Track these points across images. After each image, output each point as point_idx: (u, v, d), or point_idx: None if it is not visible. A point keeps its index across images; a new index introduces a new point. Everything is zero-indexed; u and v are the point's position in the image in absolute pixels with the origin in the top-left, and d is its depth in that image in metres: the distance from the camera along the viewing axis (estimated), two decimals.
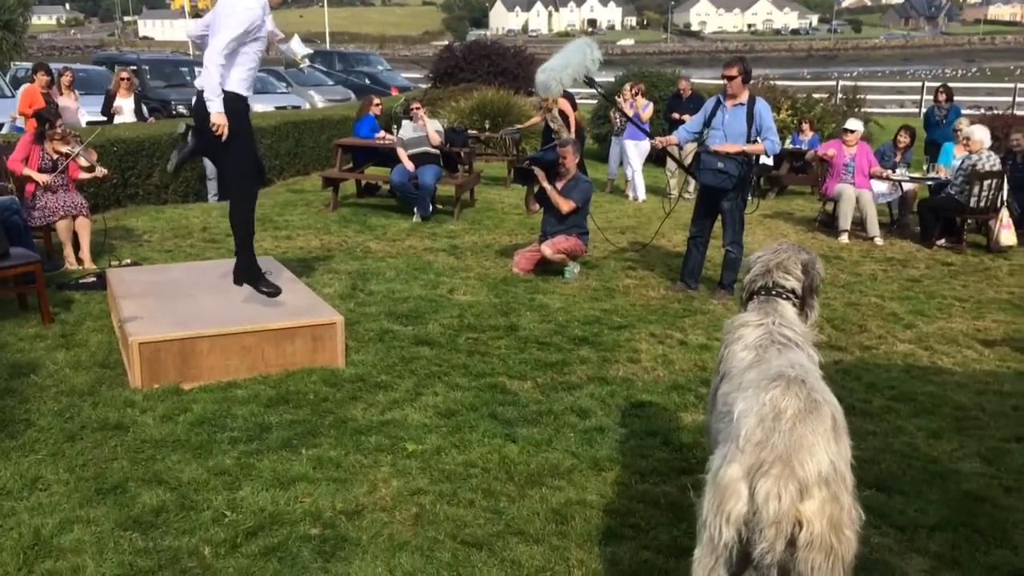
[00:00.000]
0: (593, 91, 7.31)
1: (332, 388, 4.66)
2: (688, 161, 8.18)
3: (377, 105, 11.46)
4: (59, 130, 7.23)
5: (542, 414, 4.40)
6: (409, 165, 9.61)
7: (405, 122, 10.22)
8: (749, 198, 6.71)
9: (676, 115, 11.73)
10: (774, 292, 2.74)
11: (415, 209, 9.65)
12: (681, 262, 7.16)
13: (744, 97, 6.53)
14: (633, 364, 5.24)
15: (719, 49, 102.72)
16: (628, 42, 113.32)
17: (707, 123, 6.61)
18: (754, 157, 6.65)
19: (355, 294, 6.57)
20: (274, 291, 5.20)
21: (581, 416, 4.39)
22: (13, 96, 12.62)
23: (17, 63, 19.71)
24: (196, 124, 5.11)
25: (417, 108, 10.05)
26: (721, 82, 6.66)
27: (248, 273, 5.27)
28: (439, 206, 10.04)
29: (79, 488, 3.50)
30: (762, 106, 6.53)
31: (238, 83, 4.91)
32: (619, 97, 11.69)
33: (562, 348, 5.49)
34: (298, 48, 5.60)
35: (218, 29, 4.79)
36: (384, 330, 5.69)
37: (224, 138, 4.85)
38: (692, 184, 11.00)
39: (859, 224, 9.31)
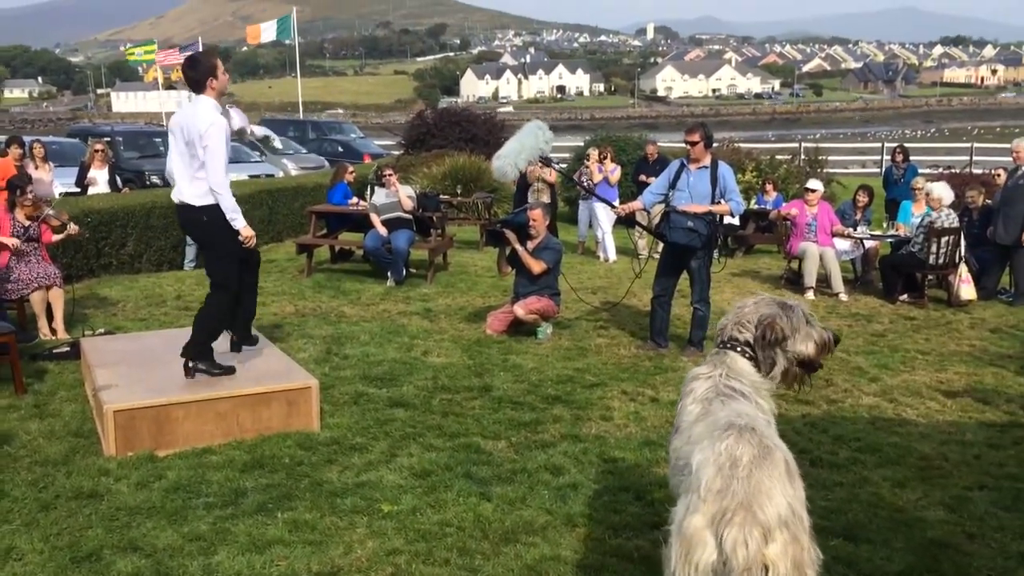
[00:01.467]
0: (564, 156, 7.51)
1: (307, 451, 4.69)
2: (656, 222, 8.38)
3: (351, 172, 11.65)
4: (29, 196, 7.29)
5: (516, 472, 4.45)
6: (382, 230, 9.75)
7: (378, 188, 10.39)
8: (716, 256, 6.89)
9: (643, 177, 12.02)
10: (728, 345, 2.85)
11: (389, 273, 9.75)
12: (649, 321, 7.30)
13: (707, 160, 6.76)
14: (606, 422, 5.32)
15: (685, 114, 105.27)
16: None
17: (672, 185, 6.82)
18: (719, 217, 6.85)
19: (330, 358, 6.62)
20: (226, 371, 5.17)
21: (555, 473, 4.45)
22: None
23: None
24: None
25: (389, 175, 10.23)
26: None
27: (200, 350, 5.19)
28: (412, 270, 10.15)
29: (54, 557, 3.49)
30: (724, 169, 6.76)
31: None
32: (586, 161, 11.98)
33: (536, 407, 5.56)
34: (240, 120, 5.71)
35: (201, 156, 4.90)
36: (359, 393, 5.73)
37: (248, 245, 5.17)
38: (660, 244, 11.25)
39: (824, 281, 9.53)
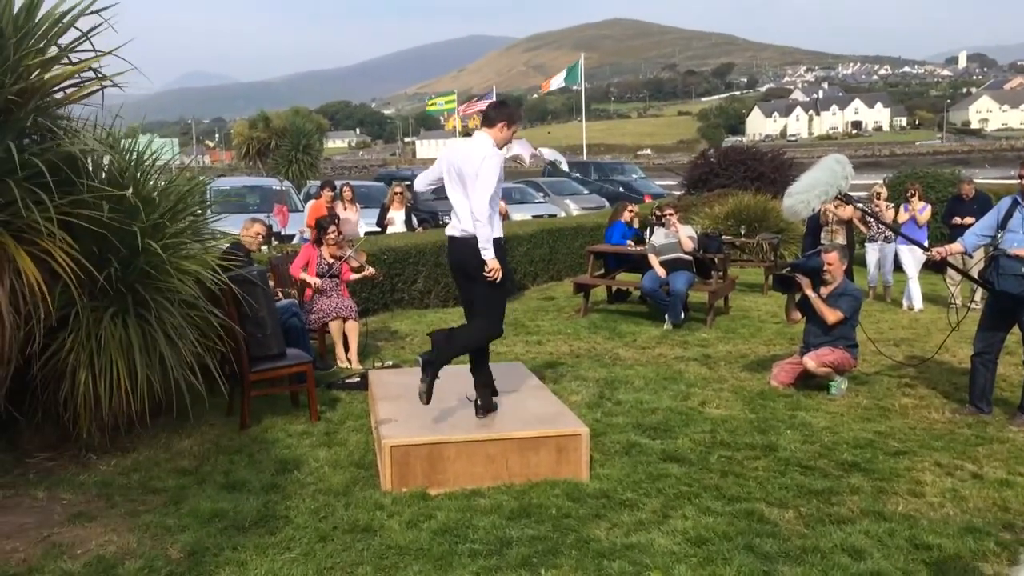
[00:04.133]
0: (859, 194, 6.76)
1: (575, 503, 4.46)
2: (975, 267, 7.32)
3: (630, 211, 11.49)
4: (332, 235, 7.84)
5: (807, 551, 3.90)
6: (660, 271, 9.44)
7: (657, 228, 10.12)
8: None
9: (958, 219, 10.70)
10: None
11: (666, 316, 9.41)
12: (968, 381, 6.32)
13: None
14: (916, 498, 4.57)
15: (1003, 147, 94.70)
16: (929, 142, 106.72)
17: (1001, 225, 5.87)
18: None
19: (602, 403, 6.39)
20: (427, 387, 4.98)
21: (854, 557, 3.84)
22: (303, 211, 14.08)
23: (311, 181, 22.14)
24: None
25: (670, 214, 9.93)
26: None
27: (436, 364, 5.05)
28: (691, 313, 9.73)
29: None
30: None
31: (496, 227, 5.00)
32: (875, 200, 10.88)
33: (829, 474, 4.93)
34: (520, 148, 5.69)
35: (470, 186, 4.90)
36: (631, 443, 5.43)
37: (498, 280, 4.96)
38: (979, 292, 9.89)
39: None
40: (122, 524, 4.22)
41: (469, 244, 4.95)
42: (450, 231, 5.15)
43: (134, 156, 5.51)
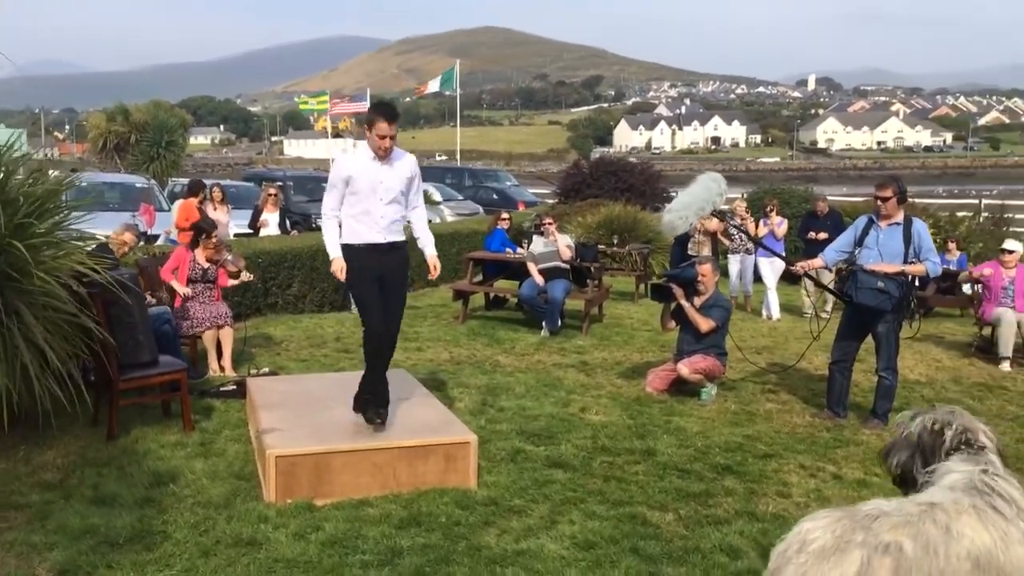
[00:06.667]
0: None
1: (465, 511, 4.48)
2: (828, 282, 7.81)
3: (505, 219, 11.62)
4: (213, 241, 7.57)
5: (689, 552, 4.07)
6: (539, 279, 9.60)
7: (536, 237, 10.28)
8: (905, 321, 6.29)
9: (813, 234, 11.39)
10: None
11: (543, 323, 9.57)
12: (825, 387, 6.75)
13: (899, 217, 6.22)
14: (784, 499, 4.84)
15: (847, 166, 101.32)
16: (770, 159, 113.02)
17: (858, 242, 6.30)
18: (911, 278, 6.26)
19: (485, 410, 6.44)
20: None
21: (732, 556, 4.03)
22: (169, 210, 13.50)
23: (175, 179, 21.24)
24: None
25: (548, 223, 10.11)
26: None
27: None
28: (566, 320, 9.93)
29: None
30: (920, 226, 6.19)
31: (356, 234, 5.15)
32: (738, 215, 11.45)
33: (704, 477, 5.15)
34: None
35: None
36: (516, 450, 5.50)
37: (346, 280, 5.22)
38: (830, 303, 10.55)
39: (1021, 351, 8.61)
40: None
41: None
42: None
43: None
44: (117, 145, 26.73)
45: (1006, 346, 8.45)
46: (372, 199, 5.09)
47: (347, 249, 5.15)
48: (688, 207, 6.12)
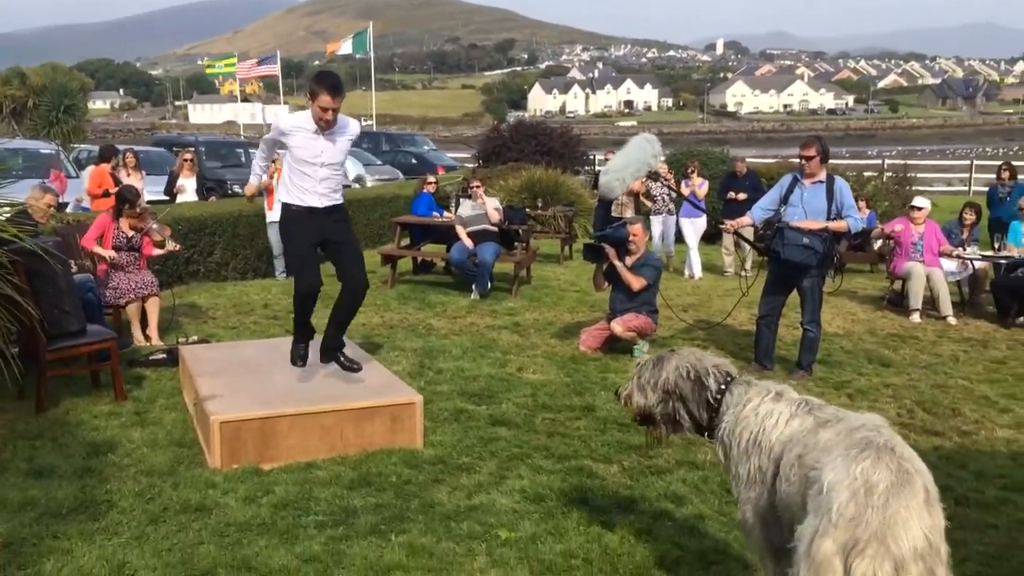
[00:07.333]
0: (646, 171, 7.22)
1: (413, 470, 4.52)
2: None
3: (431, 183, 11.56)
4: (139, 209, 7.33)
5: (635, 500, 4.21)
6: (468, 242, 9.61)
7: (463, 200, 10.27)
8: (829, 276, 6.55)
9: (732, 194, 11.68)
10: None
11: (473, 286, 9.61)
12: (752, 341, 6.99)
13: (822, 175, 6.44)
14: None
15: (755, 129, 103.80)
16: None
17: (784, 200, 6.51)
18: (834, 234, 6.51)
19: (424, 372, 6.47)
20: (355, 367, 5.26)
21: (677, 503, 4.19)
22: (78, 177, 12.94)
23: (79, 145, 20.37)
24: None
25: (477, 187, 10.10)
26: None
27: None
28: (495, 283, 9.98)
29: (167, 574, 3.37)
30: (841, 184, 6.44)
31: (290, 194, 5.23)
32: (664, 176, 11.66)
33: (643, 429, 5.29)
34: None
35: None
36: (458, 409, 5.56)
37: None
38: (749, 262, 10.88)
39: (929, 303, 9.07)
40: None
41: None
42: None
43: None
44: (14, 110, 25.46)
45: (916, 298, 8.89)
46: (311, 167, 5.07)
47: (286, 209, 5.23)
48: (624, 168, 6.20)
